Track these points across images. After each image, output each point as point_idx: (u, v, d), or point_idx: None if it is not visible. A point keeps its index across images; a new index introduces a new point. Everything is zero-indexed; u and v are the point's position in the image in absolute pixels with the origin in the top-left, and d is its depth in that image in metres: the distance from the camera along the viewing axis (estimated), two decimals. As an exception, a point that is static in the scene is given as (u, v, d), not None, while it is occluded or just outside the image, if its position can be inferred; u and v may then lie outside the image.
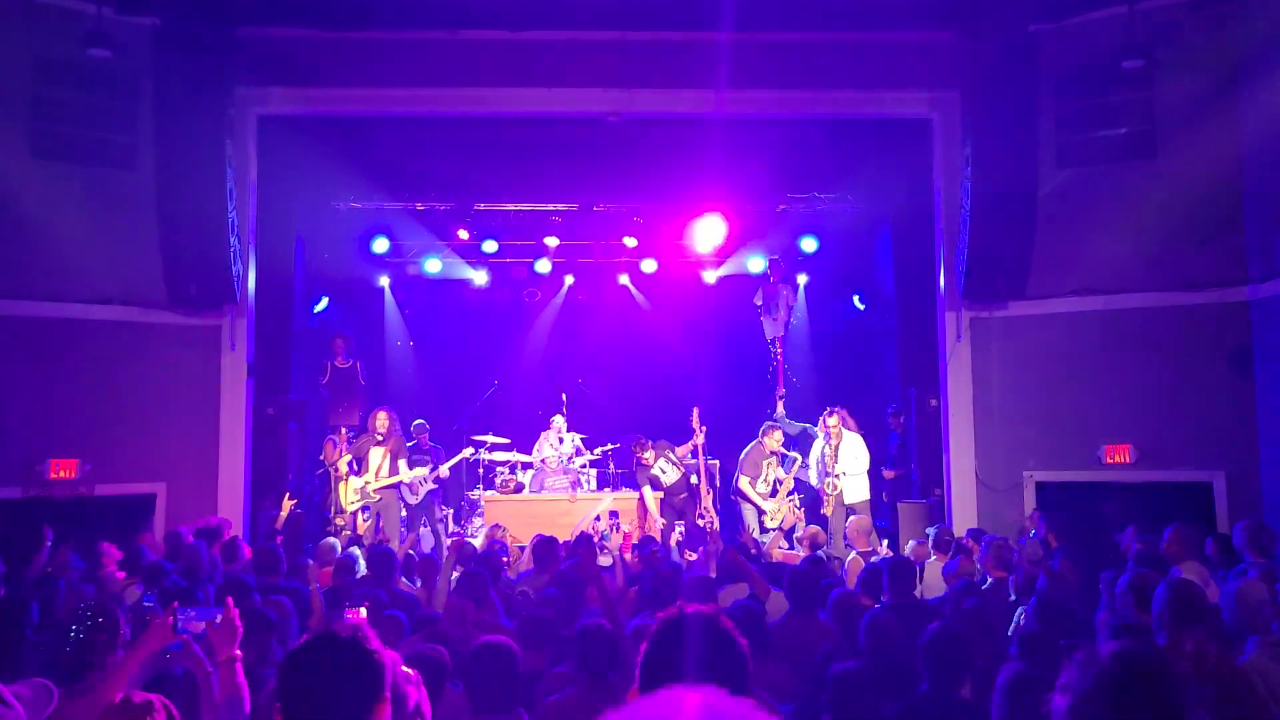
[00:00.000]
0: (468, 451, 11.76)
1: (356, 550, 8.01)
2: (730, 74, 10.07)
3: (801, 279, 14.17)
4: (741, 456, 10.88)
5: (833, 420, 10.64)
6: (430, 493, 11.33)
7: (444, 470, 11.43)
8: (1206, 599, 4.78)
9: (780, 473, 10.66)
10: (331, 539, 8.26)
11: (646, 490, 10.48)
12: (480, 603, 5.66)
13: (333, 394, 11.42)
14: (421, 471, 10.89)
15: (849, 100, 10.30)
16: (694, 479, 10.58)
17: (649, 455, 10.60)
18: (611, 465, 11.94)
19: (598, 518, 9.97)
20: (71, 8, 9.02)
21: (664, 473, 10.51)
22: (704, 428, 10.68)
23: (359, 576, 6.99)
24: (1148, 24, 9.14)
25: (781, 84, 10.12)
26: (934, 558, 7.75)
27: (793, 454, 11.05)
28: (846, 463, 10.55)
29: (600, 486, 11.36)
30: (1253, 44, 8.90)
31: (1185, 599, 4.47)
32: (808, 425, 11.55)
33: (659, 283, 14.30)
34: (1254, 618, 4.43)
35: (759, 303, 12.90)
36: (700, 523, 10.18)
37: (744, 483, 10.64)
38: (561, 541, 7.58)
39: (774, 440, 10.73)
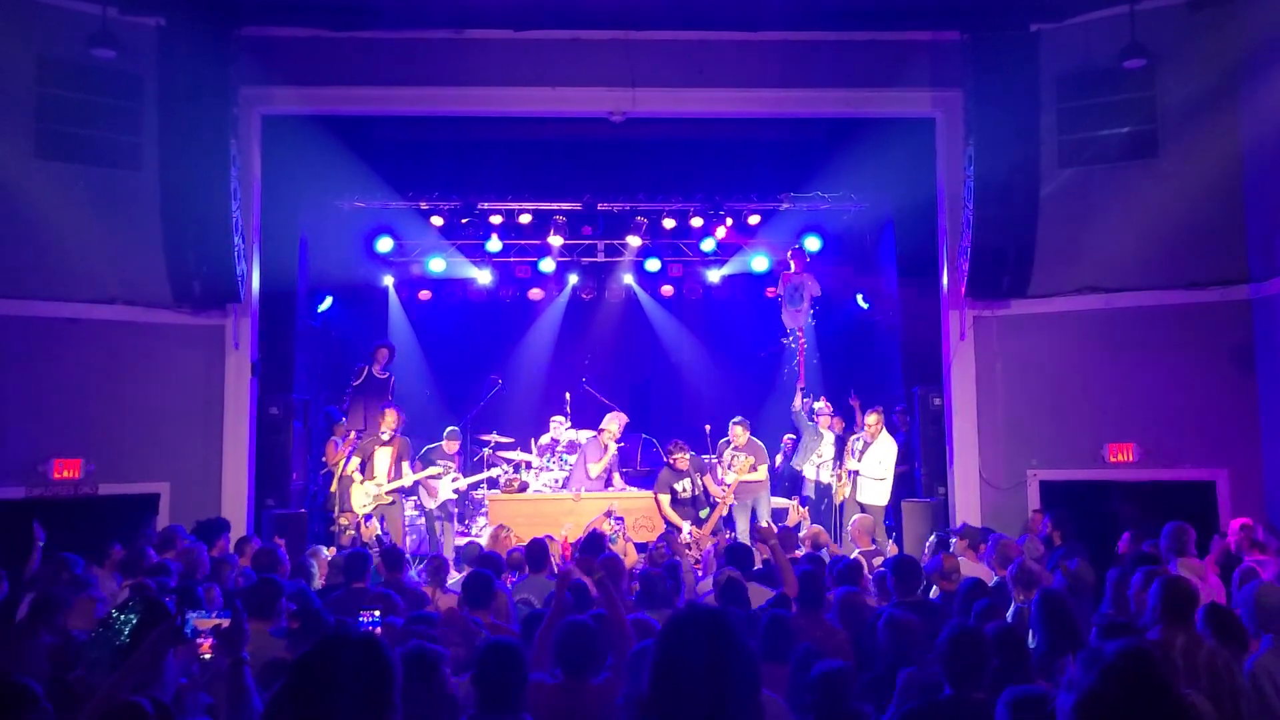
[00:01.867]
0: (495, 472, 11.79)
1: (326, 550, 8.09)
2: (733, 73, 10.10)
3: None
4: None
5: (872, 418, 10.57)
6: (448, 500, 11.33)
7: (463, 484, 11.44)
8: (1199, 596, 4.83)
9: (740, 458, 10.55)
10: (321, 546, 8.25)
11: (664, 499, 10.24)
12: (485, 604, 5.67)
13: (361, 397, 11.45)
14: (434, 471, 10.90)
15: (852, 99, 10.30)
16: (703, 513, 10.40)
17: (683, 459, 10.26)
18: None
19: (610, 515, 9.77)
20: (76, 8, 9.03)
21: (684, 490, 10.27)
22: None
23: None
24: (1149, 24, 9.15)
25: (784, 83, 10.12)
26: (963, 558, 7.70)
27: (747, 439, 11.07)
28: (870, 465, 10.47)
29: (605, 485, 11.33)
30: (1253, 43, 8.92)
31: (1177, 596, 4.54)
32: (810, 423, 11.57)
33: (662, 281, 14.30)
34: (1270, 618, 4.45)
35: (781, 294, 12.83)
36: (688, 551, 9.93)
37: (739, 462, 10.62)
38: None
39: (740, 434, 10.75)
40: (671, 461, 10.36)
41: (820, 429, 11.38)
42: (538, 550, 7.19)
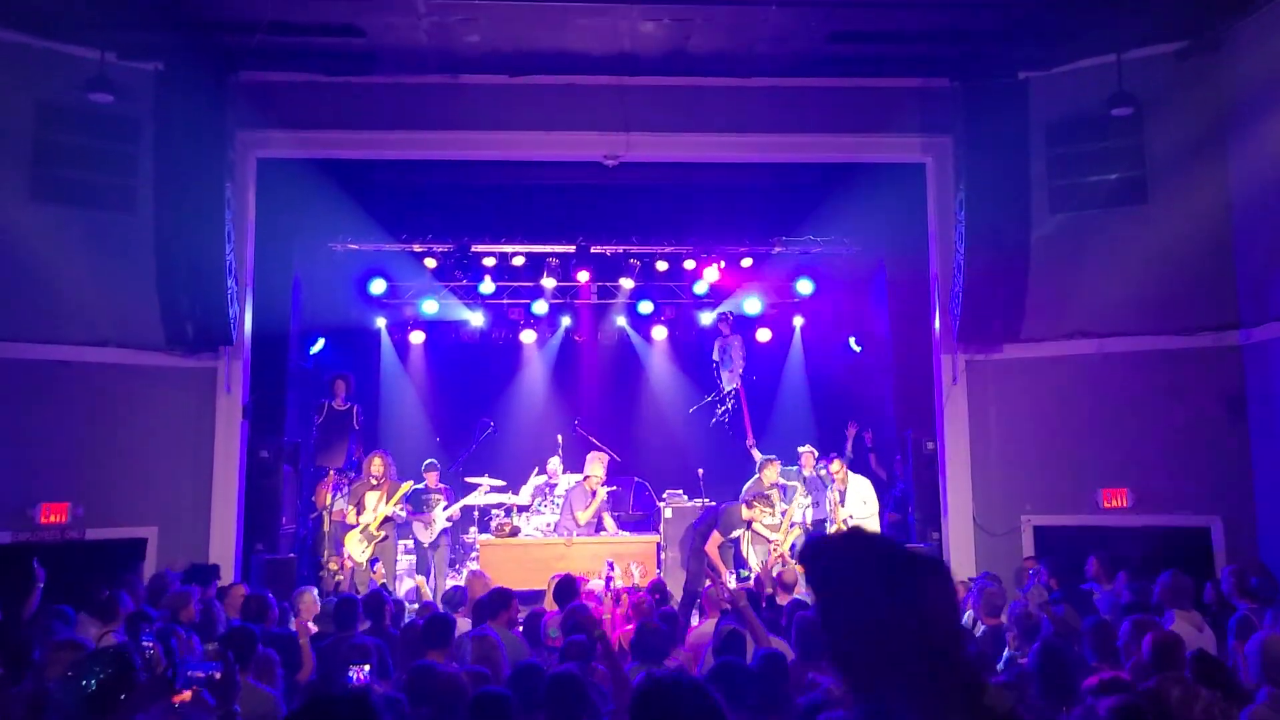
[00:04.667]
0: (481, 491, 11.69)
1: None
2: (725, 118, 10.20)
3: (797, 321, 14.26)
4: (743, 491, 10.84)
5: (835, 465, 10.63)
6: (443, 531, 11.22)
7: (455, 511, 11.35)
8: (1185, 647, 4.81)
9: (782, 505, 10.58)
10: (310, 590, 8.13)
11: (717, 539, 9.99)
12: (443, 644, 5.58)
13: (325, 434, 11.35)
14: (398, 497, 10.75)
15: (843, 145, 10.42)
16: (744, 572, 10.32)
17: (761, 515, 10.03)
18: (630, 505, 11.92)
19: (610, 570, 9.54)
20: (75, 53, 9.10)
21: (730, 536, 10.10)
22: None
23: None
24: (1136, 72, 9.28)
25: (776, 128, 10.22)
26: None
27: (792, 483, 11.03)
28: (854, 506, 10.49)
29: (597, 530, 11.25)
30: (1241, 92, 9.03)
31: (1167, 648, 4.56)
32: (791, 468, 11.58)
33: (655, 323, 14.33)
34: (1273, 670, 4.41)
35: (716, 358, 13.20)
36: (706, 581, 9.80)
37: (745, 513, 10.53)
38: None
39: (772, 472, 10.70)
40: (751, 512, 10.04)
41: (803, 470, 11.38)
42: (565, 588, 7.14)
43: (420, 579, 10.44)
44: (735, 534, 10.13)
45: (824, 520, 11.07)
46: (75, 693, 3.48)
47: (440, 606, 7.71)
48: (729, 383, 13.17)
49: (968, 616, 7.34)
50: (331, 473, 10.95)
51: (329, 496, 10.54)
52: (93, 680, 3.46)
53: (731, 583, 9.52)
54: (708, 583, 9.54)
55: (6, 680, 4.86)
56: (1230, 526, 9.05)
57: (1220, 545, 9.06)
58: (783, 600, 7.85)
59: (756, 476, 10.76)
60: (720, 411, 13.41)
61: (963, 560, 9.64)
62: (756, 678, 4.73)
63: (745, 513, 10.03)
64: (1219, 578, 8.01)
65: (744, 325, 14.12)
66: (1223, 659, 5.71)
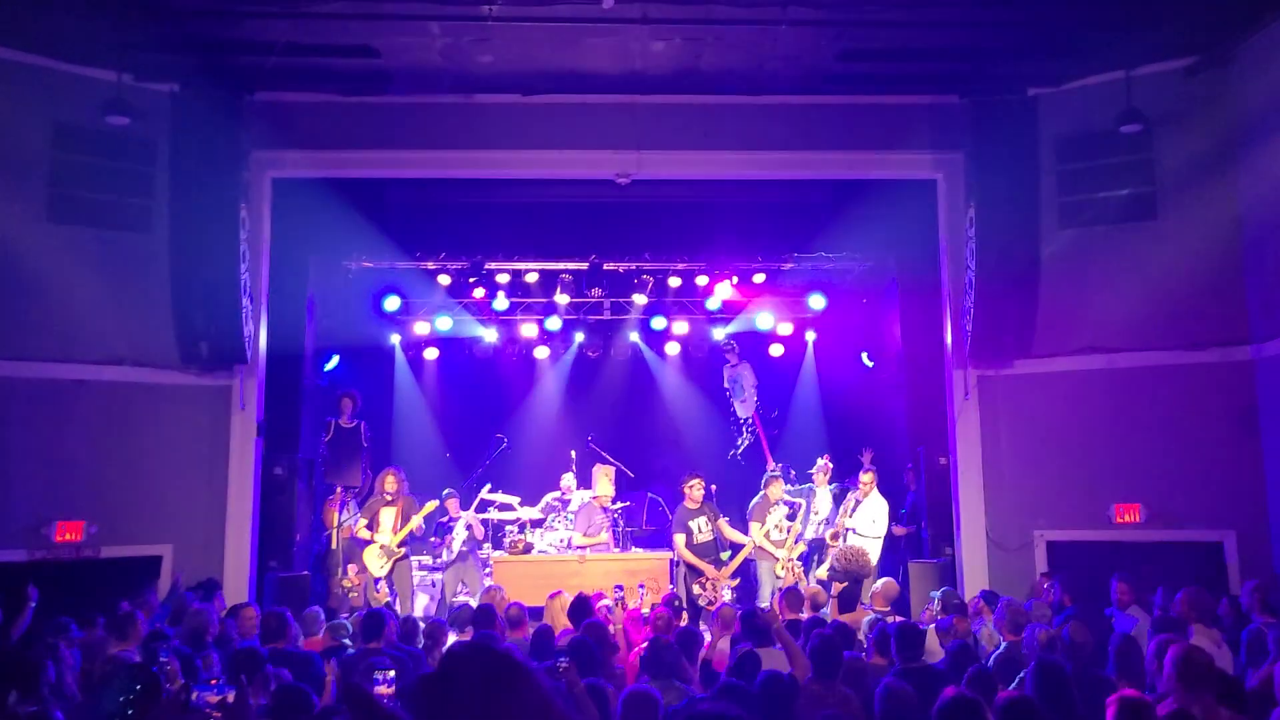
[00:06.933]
0: (485, 491, 11.68)
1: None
2: (737, 136, 10.26)
3: (810, 336, 14.28)
4: (750, 508, 10.86)
5: (866, 477, 10.62)
6: (466, 542, 11.18)
7: (471, 514, 11.29)
8: (1214, 663, 4.79)
9: (785, 522, 10.60)
10: (316, 609, 8.15)
11: (680, 539, 10.16)
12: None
13: (333, 453, 11.38)
14: (418, 519, 10.77)
15: (854, 161, 10.46)
16: (724, 555, 10.40)
17: (695, 487, 10.23)
18: (621, 523, 11.88)
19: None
20: (91, 75, 9.20)
21: (699, 530, 10.26)
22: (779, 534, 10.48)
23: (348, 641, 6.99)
24: (1145, 89, 9.30)
25: (788, 145, 10.27)
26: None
27: (799, 499, 11.06)
28: (863, 522, 10.47)
29: (608, 547, 11.25)
30: (1249, 108, 9.05)
31: (1192, 664, 4.52)
32: (804, 486, 11.59)
33: (668, 339, 14.35)
34: None
35: (727, 386, 13.23)
36: (696, 589, 9.91)
37: (754, 530, 10.56)
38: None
39: (777, 489, 10.72)
40: (685, 491, 10.22)
41: (816, 486, 11.38)
42: (580, 609, 7.16)
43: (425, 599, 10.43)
44: (694, 526, 10.17)
45: (835, 536, 11.05)
46: (105, 706, 3.51)
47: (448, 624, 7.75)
48: (743, 411, 13.22)
49: (987, 632, 7.34)
50: (339, 490, 10.96)
51: (336, 515, 10.56)
52: (122, 694, 3.49)
53: (726, 592, 9.66)
54: (697, 590, 9.71)
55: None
56: (1244, 541, 9.01)
57: (1234, 559, 9.02)
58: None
59: (762, 493, 10.78)
60: (739, 443, 13.47)
61: (976, 575, 9.63)
62: (760, 699, 4.73)
63: (685, 507, 10.23)
64: (1234, 593, 8.00)
65: (756, 341, 14.15)
66: (1238, 674, 5.70)
